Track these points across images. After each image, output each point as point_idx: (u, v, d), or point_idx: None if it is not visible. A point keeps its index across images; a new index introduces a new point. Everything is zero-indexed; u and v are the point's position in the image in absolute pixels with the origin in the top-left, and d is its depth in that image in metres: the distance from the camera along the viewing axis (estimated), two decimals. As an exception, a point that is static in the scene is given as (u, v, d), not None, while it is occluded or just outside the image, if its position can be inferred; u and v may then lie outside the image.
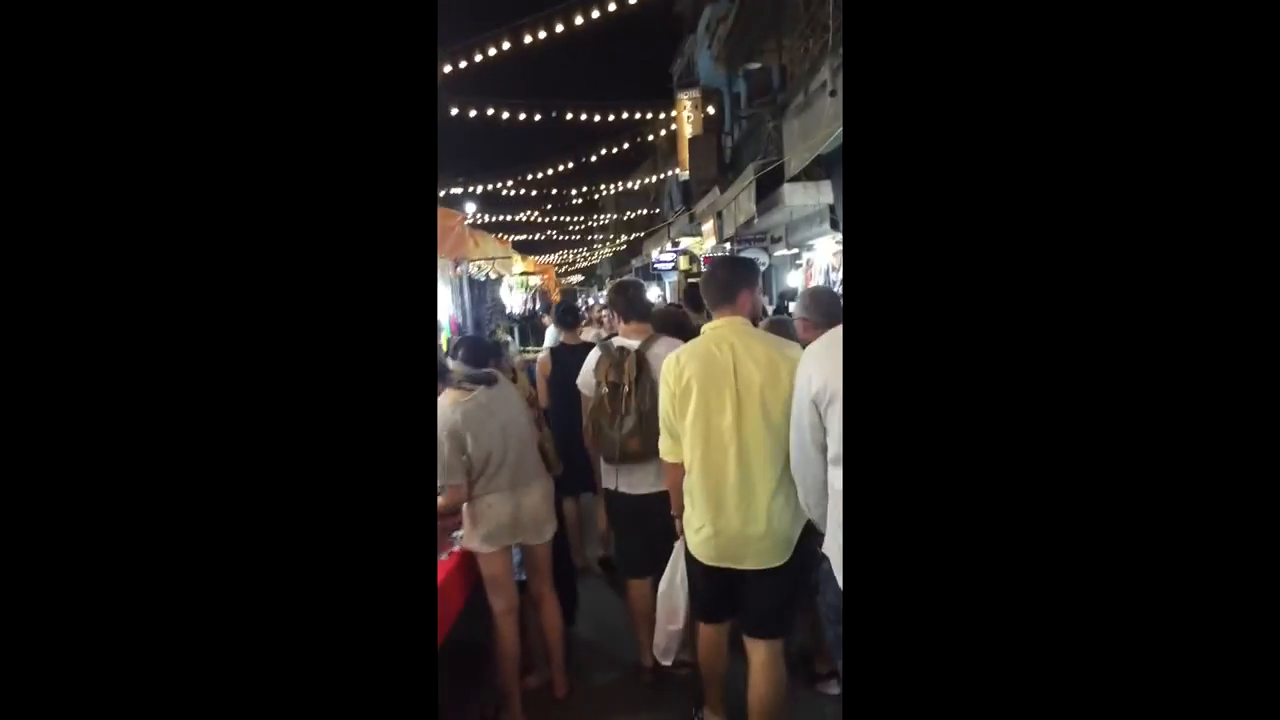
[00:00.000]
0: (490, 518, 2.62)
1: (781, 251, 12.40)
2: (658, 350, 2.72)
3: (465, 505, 2.65)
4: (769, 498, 2.11)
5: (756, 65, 11.86)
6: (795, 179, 8.94)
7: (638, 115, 11.72)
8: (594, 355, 2.94)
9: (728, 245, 12.94)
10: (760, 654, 2.29)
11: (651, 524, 2.66)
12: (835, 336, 1.76)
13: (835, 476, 1.70)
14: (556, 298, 10.08)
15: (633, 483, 2.79)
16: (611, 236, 23.79)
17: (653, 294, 17.95)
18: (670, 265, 17.63)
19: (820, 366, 1.71)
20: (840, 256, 9.02)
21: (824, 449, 1.74)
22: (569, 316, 4.28)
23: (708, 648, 2.48)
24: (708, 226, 13.93)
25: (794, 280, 11.37)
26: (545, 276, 10.10)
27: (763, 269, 12.74)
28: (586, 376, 2.93)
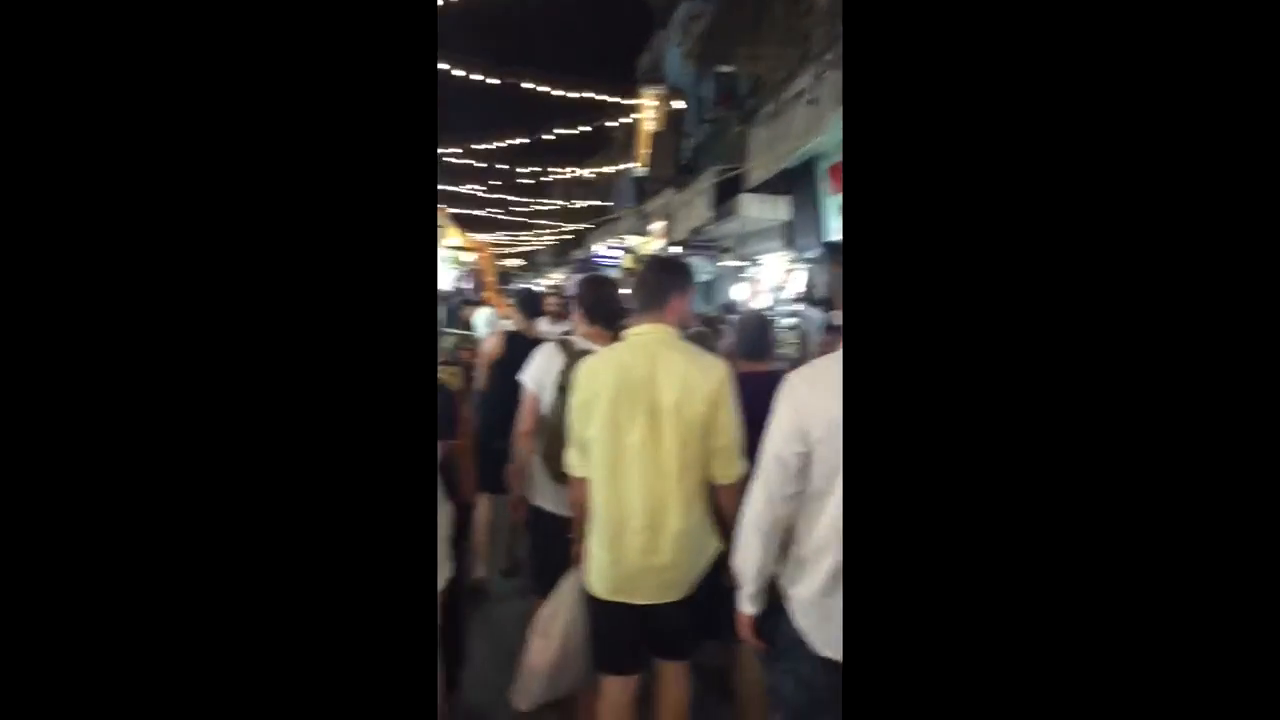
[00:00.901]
0: None
1: (729, 263, 12.14)
2: None
3: None
4: (677, 526, 1.92)
5: (728, 69, 11.49)
6: (755, 189, 8.64)
7: (600, 97, 11.10)
8: (550, 352, 2.59)
9: (676, 248, 12.65)
10: (665, 671, 2.07)
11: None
12: (822, 366, 1.60)
13: (824, 510, 1.52)
14: (490, 279, 9.43)
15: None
16: (557, 225, 23.07)
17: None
18: (613, 262, 17.20)
19: (813, 400, 1.52)
20: (791, 275, 8.76)
21: (794, 495, 1.56)
22: (533, 304, 3.77)
23: (612, 711, 2.06)
24: (658, 227, 13.59)
25: (737, 294, 11.09)
26: (481, 255, 9.42)
27: (707, 278, 12.49)
28: (539, 375, 2.58)
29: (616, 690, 2.05)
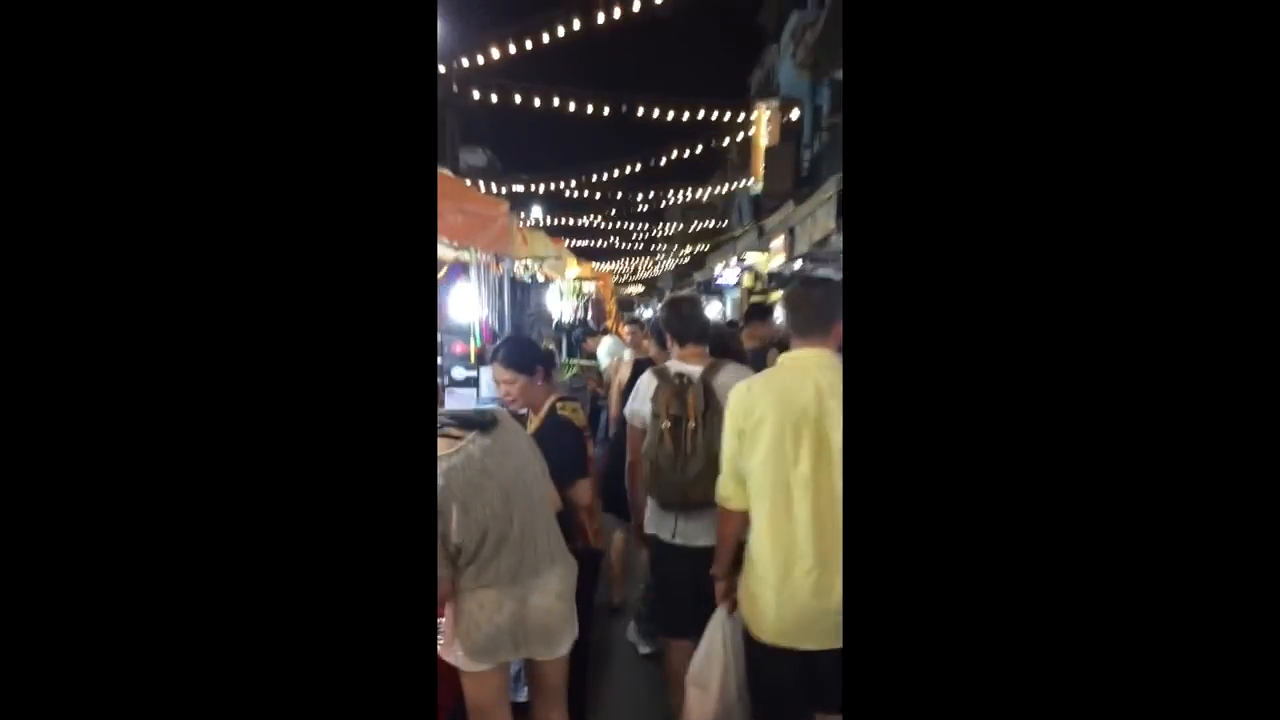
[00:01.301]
0: (480, 623, 1.82)
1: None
2: (724, 379, 2.36)
3: (448, 603, 1.86)
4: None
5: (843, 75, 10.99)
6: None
7: (713, 116, 10.83)
8: (648, 381, 2.53)
9: (798, 263, 12.19)
10: None
11: (707, 581, 2.18)
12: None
13: None
14: (611, 308, 9.32)
15: (691, 533, 2.39)
16: (675, 249, 22.98)
17: (713, 310, 17.38)
18: (734, 282, 16.86)
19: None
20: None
21: None
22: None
23: None
24: (777, 243, 13.16)
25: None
26: (601, 284, 9.34)
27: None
28: (640, 405, 2.54)
29: None
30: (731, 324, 5.16)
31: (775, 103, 13.97)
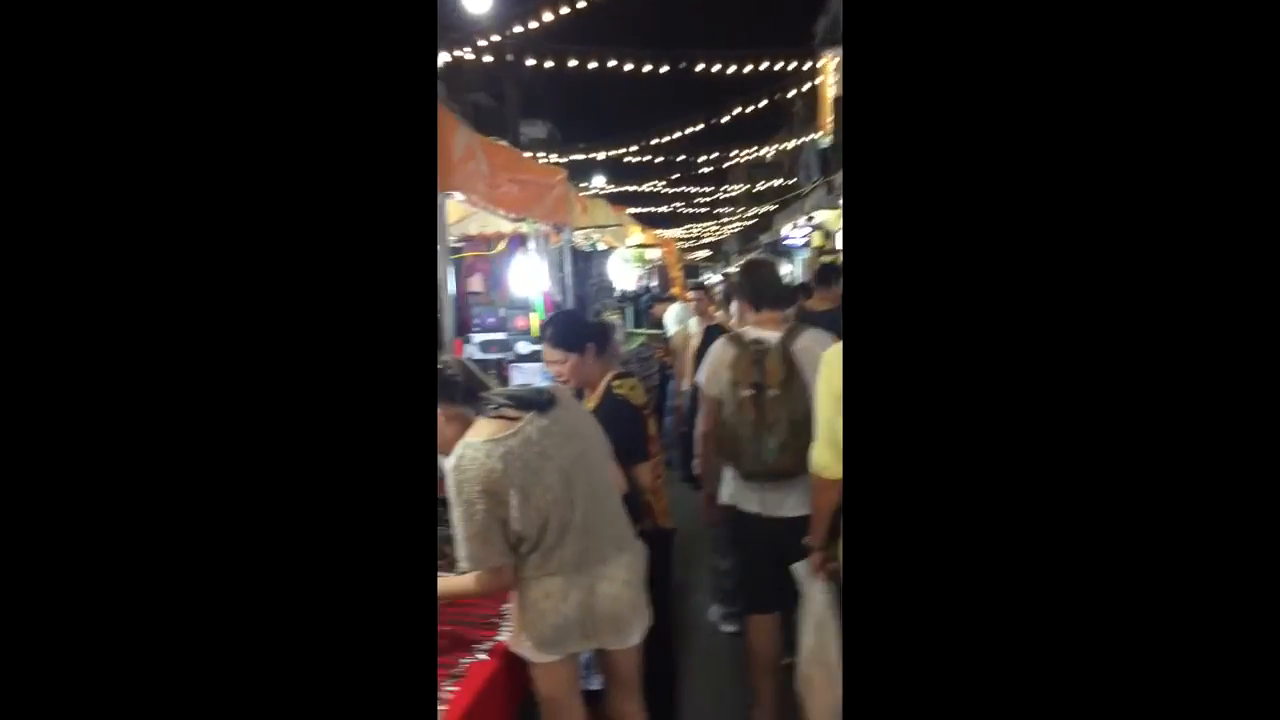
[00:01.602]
0: (547, 613, 1.73)
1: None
2: (805, 343, 2.28)
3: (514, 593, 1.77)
4: None
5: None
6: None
7: (776, 67, 10.31)
8: (722, 349, 2.42)
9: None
10: None
11: (790, 553, 2.16)
12: None
13: None
14: (677, 275, 9.11)
15: (774, 504, 2.32)
16: (741, 210, 22.48)
17: (782, 272, 16.92)
18: (803, 241, 16.40)
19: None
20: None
21: None
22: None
23: None
24: (848, 199, 12.67)
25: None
26: (665, 251, 9.14)
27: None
28: (715, 373, 2.41)
29: None
30: (803, 286, 4.95)
31: (842, 50, 13.34)
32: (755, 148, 16.90)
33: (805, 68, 12.90)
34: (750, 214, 22.72)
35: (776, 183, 19.59)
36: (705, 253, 34.43)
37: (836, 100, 13.22)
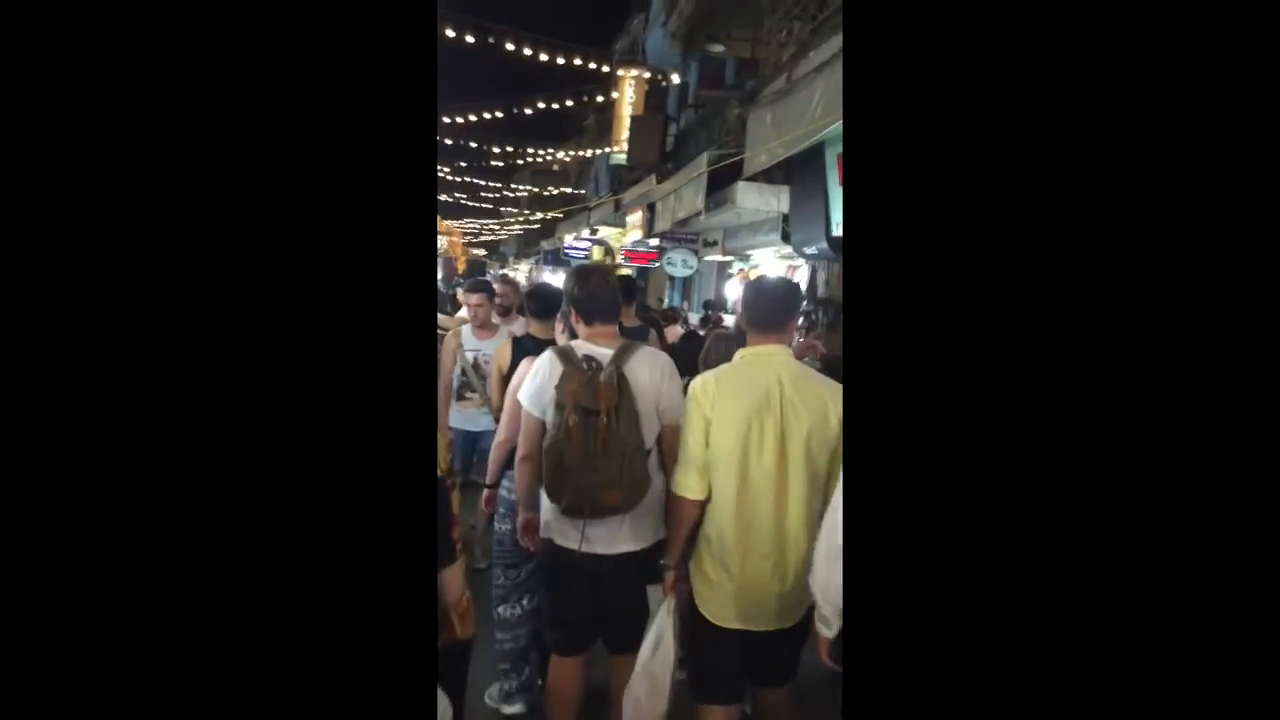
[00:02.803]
0: None
1: (713, 257, 11.43)
2: (637, 365, 2.15)
3: None
4: (802, 552, 1.92)
5: (719, 48, 10.76)
6: (750, 179, 7.90)
7: (593, 65, 10.01)
8: (550, 364, 2.18)
9: (654, 240, 11.94)
10: (769, 697, 2.17)
11: (613, 588, 2.19)
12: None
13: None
14: (462, 267, 8.51)
15: (604, 539, 2.14)
16: (525, 213, 22.02)
17: (559, 281, 16.68)
18: (584, 253, 16.38)
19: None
20: (793, 271, 8.09)
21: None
22: (546, 301, 2.87)
23: None
24: (634, 218, 12.82)
25: (730, 291, 10.39)
26: (450, 240, 8.49)
27: (687, 273, 11.81)
28: (539, 390, 2.18)
29: (722, 718, 2.08)
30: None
31: (643, 73, 13.51)
32: (547, 150, 16.61)
33: (618, 71, 12.87)
34: (535, 218, 22.37)
35: (565, 190, 19.47)
36: (481, 252, 33.46)
37: (634, 119, 13.36)
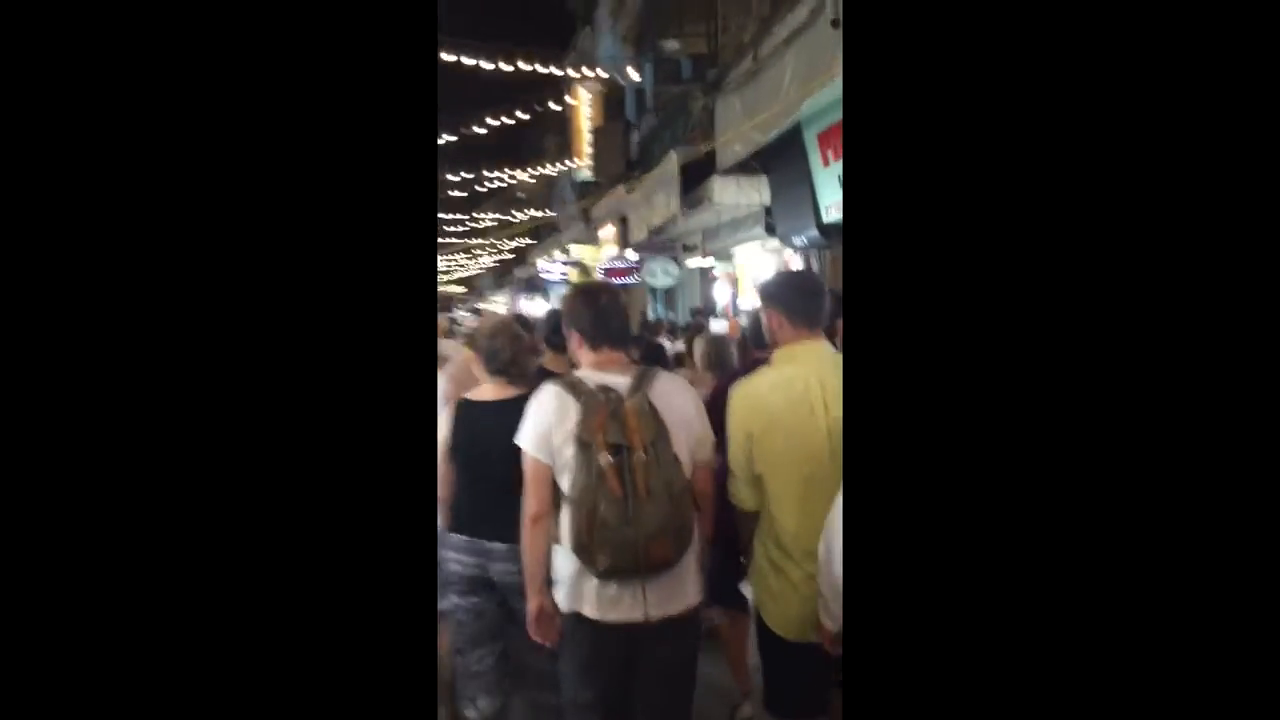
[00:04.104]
0: None
1: (695, 262, 10.84)
2: (663, 392, 1.88)
3: None
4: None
5: (674, 44, 10.22)
6: (726, 172, 7.32)
7: (546, 70, 9.20)
8: (555, 399, 1.88)
9: (631, 254, 11.39)
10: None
11: (678, 656, 1.93)
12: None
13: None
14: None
15: (663, 600, 1.82)
16: (494, 242, 21.38)
17: (539, 309, 16.12)
18: (560, 277, 15.80)
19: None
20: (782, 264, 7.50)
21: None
22: (553, 327, 2.57)
23: None
24: (605, 232, 12.24)
25: (719, 295, 9.80)
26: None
27: (670, 283, 11.25)
28: (545, 432, 1.86)
29: None
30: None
31: (599, 73, 12.96)
32: (512, 174, 15.99)
33: (561, 80, 12.24)
34: (506, 246, 21.74)
35: (532, 212, 18.88)
36: (460, 288, 32.82)
37: (595, 131, 12.81)
